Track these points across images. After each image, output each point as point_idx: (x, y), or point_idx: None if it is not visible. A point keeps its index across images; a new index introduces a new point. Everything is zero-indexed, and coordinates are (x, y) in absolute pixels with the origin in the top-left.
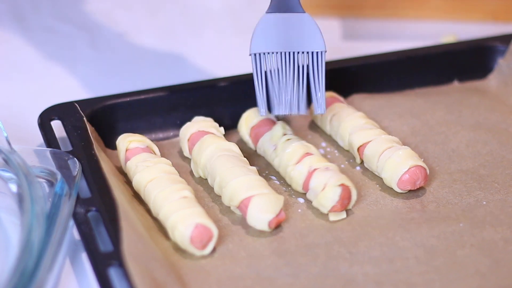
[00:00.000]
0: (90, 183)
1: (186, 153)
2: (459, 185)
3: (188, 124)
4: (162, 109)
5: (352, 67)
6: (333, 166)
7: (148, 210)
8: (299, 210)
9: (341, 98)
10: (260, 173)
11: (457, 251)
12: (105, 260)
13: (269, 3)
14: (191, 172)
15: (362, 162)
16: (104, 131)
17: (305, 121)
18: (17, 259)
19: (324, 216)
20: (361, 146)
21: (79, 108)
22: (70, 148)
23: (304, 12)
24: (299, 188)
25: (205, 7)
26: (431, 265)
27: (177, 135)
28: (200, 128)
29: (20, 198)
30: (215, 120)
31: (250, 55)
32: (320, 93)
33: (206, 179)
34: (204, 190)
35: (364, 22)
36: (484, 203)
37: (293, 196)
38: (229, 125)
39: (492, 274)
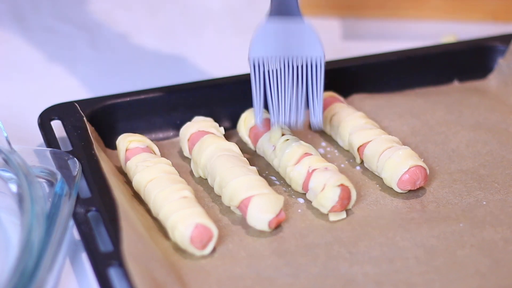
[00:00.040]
0: (90, 183)
1: (186, 153)
2: (459, 185)
3: (188, 124)
4: (162, 109)
5: (352, 67)
6: (332, 166)
7: (148, 210)
8: (299, 210)
9: (341, 98)
10: (260, 173)
11: (457, 251)
12: (105, 260)
13: (269, 5)
14: (191, 172)
15: (362, 162)
16: (104, 131)
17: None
18: (17, 259)
19: (324, 216)
20: (361, 146)
21: (79, 108)
22: (70, 148)
23: (303, 18)
24: (299, 189)
25: (205, 7)
26: (431, 265)
27: (177, 135)
28: (200, 128)
29: (20, 198)
30: (215, 120)
31: (248, 59)
32: (317, 100)
33: (206, 179)
34: (204, 190)
35: (364, 22)
36: (484, 203)
37: (293, 196)
38: (229, 125)
39: (492, 274)
